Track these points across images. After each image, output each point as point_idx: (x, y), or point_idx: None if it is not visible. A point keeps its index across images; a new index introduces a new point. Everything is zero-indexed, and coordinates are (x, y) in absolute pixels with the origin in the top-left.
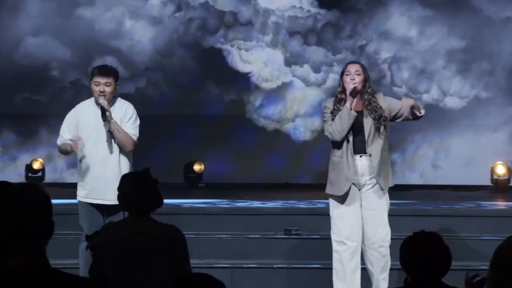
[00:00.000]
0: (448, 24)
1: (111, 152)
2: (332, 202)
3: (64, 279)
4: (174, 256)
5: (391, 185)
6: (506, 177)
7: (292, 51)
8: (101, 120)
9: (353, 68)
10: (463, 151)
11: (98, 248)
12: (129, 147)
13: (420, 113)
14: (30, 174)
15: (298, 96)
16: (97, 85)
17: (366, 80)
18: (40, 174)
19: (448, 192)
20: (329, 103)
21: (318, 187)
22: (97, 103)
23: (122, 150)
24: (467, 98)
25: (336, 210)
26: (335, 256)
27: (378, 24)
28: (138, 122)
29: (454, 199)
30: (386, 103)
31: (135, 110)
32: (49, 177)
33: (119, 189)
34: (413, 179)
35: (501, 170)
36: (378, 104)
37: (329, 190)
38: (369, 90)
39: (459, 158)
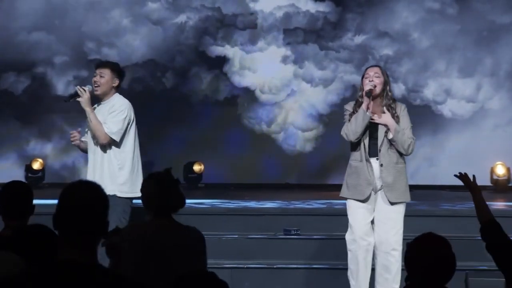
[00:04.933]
0: (450, 24)
1: (98, 149)
2: (348, 205)
3: (110, 278)
4: (194, 258)
5: (406, 200)
6: (506, 177)
7: (292, 51)
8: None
9: (372, 71)
10: (462, 151)
11: (117, 248)
12: (100, 139)
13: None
14: (30, 175)
15: (299, 97)
16: (94, 76)
17: (386, 83)
18: (40, 174)
19: (448, 192)
20: (349, 106)
21: (318, 188)
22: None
23: (106, 147)
24: (467, 98)
25: (351, 212)
26: (349, 255)
27: (378, 21)
28: (120, 117)
29: (454, 199)
30: (404, 117)
31: (123, 106)
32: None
33: (141, 190)
34: (412, 179)
35: (500, 170)
36: (395, 112)
37: (347, 194)
38: (390, 94)
39: (458, 158)
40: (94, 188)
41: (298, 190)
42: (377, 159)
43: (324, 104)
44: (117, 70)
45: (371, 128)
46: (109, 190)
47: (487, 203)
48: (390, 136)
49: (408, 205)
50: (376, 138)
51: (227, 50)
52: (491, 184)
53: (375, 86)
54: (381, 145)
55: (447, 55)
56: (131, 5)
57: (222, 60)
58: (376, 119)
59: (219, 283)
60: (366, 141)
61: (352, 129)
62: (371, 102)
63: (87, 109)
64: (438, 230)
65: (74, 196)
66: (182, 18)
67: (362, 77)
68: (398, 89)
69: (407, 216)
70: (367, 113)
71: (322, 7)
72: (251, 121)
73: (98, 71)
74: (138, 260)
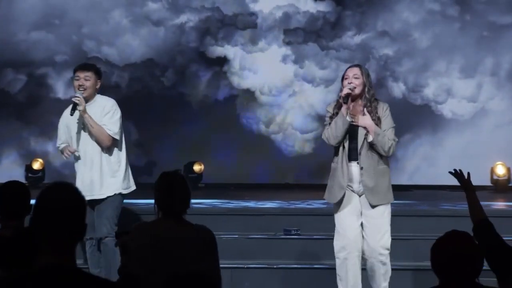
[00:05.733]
0: (451, 24)
1: (93, 150)
2: (334, 208)
3: (91, 281)
4: (203, 258)
5: (389, 201)
6: (506, 177)
7: (292, 50)
8: (83, 119)
9: (351, 72)
10: (462, 151)
11: (127, 247)
12: (105, 142)
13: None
14: (30, 175)
15: (299, 97)
16: (77, 79)
17: (365, 84)
18: (40, 174)
19: (448, 192)
20: (330, 107)
21: (318, 188)
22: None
23: (105, 148)
24: (468, 98)
25: (337, 216)
26: (337, 262)
27: (378, 21)
28: (116, 117)
29: (454, 199)
30: (386, 118)
31: (114, 106)
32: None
33: (154, 188)
34: (412, 179)
35: (501, 170)
36: (377, 113)
37: (326, 197)
38: (367, 96)
39: (458, 158)
40: (71, 190)
41: (298, 190)
42: (358, 162)
43: (324, 104)
44: (98, 72)
45: (351, 131)
46: (114, 189)
47: (487, 203)
48: (370, 138)
49: (408, 205)
50: (357, 141)
51: (227, 50)
52: (491, 184)
53: (354, 88)
54: (361, 148)
55: (448, 55)
56: (131, 5)
57: (223, 60)
58: (356, 121)
59: (207, 285)
60: (346, 144)
61: (332, 133)
62: (351, 105)
63: (86, 115)
64: (438, 230)
65: (51, 199)
66: (182, 18)
67: (343, 78)
68: (398, 89)
69: (407, 216)
70: (347, 118)
71: (322, 7)
72: (250, 121)
73: (82, 75)
74: (145, 260)
